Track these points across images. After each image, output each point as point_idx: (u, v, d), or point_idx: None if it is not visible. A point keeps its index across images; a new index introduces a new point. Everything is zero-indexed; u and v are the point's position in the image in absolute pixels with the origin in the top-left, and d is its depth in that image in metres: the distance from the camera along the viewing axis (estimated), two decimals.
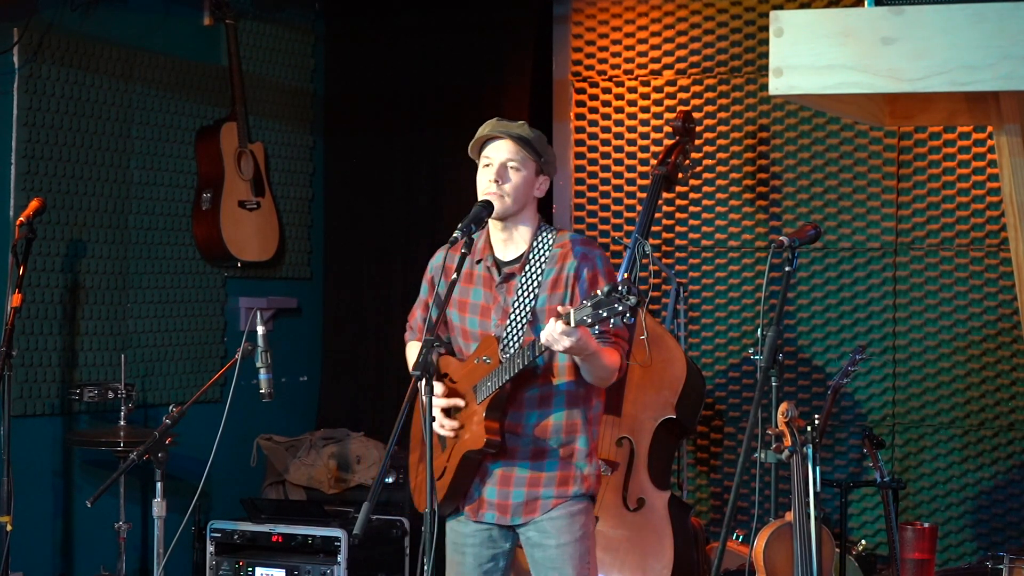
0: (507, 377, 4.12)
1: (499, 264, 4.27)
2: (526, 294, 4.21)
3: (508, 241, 4.28)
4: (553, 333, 3.92)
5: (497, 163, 4.21)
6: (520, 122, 4.28)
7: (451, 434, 4.23)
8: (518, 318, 4.21)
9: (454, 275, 4.13)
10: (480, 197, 4.21)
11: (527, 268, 4.22)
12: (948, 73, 3.69)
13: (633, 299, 3.79)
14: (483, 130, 4.26)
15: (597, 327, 3.91)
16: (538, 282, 4.21)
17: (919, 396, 6.39)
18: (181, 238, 6.61)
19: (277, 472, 6.74)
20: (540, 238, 4.26)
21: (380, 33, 7.26)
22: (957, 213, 6.35)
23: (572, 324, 3.88)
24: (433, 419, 4.15)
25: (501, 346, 4.19)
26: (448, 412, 4.26)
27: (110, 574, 5.99)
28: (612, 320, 3.83)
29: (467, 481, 4.26)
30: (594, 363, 4.08)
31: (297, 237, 7.19)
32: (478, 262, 4.30)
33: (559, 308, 3.95)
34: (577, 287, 4.17)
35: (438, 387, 4.23)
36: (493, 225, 4.28)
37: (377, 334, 7.22)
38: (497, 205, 4.19)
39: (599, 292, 3.83)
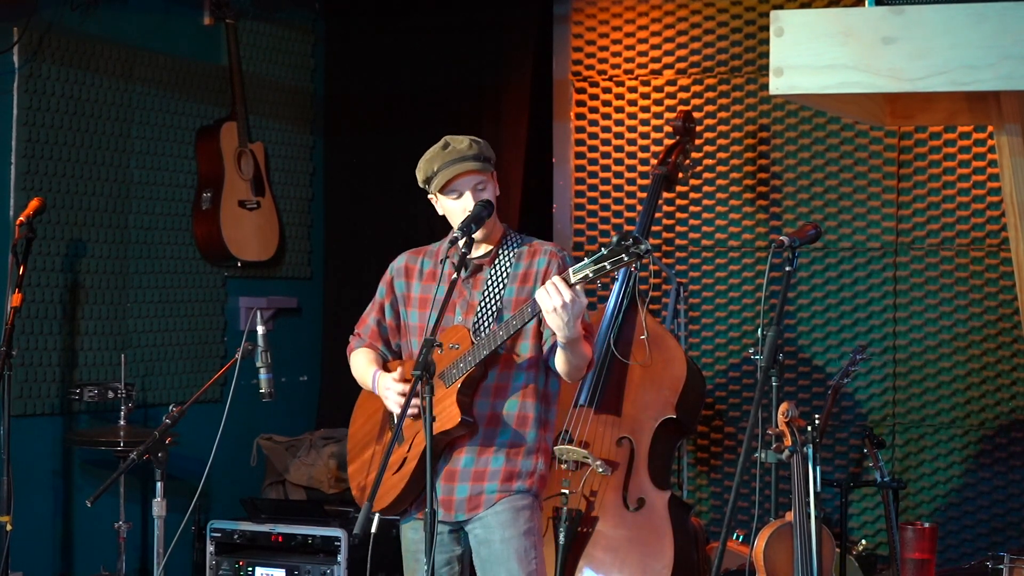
0: (485, 353, 4.13)
1: (465, 261, 4.25)
2: (494, 286, 4.23)
3: (476, 244, 4.29)
4: (549, 290, 3.88)
5: (467, 191, 4.23)
6: (465, 140, 4.28)
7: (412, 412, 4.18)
8: (486, 309, 4.24)
9: (454, 275, 4.13)
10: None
11: (496, 262, 4.27)
12: (949, 73, 3.69)
13: (645, 244, 3.77)
14: (434, 165, 4.25)
15: (599, 281, 3.89)
16: (506, 274, 4.25)
17: (919, 396, 6.39)
18: (181, 238, 6.60)
19: (277, 472, 6.74)
20: (509, 237, 4.32)
21: (380, 33, 7.26)
22: (957, 213, 6.35)
23: (572, 281, 3.87)
24: (417, 415, 4.16)
25: (472, 331, 4.21)
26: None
27: (110, 574, 5.98)
28: (618, 271, 3.82)
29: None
30: (576, 349, 4.08)
31: (297, 237, 7.19)
32: (443, 260, 4.33)
33: (555, 276, 3.94)
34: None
35: (396, 374, 4.23)
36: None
37: None
38: (484, 231, 4.23)
39: (603, 247, 3.81)
